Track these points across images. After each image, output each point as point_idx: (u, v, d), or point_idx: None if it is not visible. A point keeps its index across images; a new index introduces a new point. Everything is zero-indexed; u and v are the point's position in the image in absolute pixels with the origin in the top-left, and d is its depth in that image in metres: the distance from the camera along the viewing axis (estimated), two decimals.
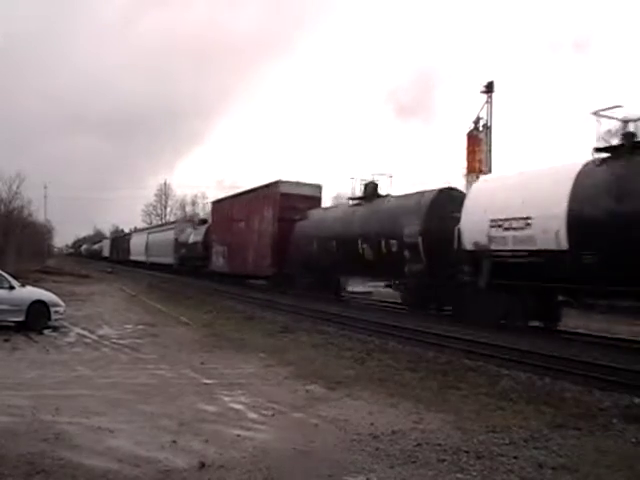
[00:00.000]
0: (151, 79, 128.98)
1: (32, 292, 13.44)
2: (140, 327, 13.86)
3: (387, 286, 20.36)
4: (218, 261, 30.96)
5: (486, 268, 13.55)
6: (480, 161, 32.93)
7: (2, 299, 12.39)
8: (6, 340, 11.12)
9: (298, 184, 24.74)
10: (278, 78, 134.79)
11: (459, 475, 4.71)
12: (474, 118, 33.87)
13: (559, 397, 7.29)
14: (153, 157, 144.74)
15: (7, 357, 9.66)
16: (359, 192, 20.91)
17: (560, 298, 13.28)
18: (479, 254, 13.81)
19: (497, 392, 7.53)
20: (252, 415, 6.45)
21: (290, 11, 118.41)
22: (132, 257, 55.91)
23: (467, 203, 14.58)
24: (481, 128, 33.63)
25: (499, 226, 13.25)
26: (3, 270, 13.66)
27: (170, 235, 42.07)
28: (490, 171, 33.03)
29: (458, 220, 14.60)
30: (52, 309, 13.06)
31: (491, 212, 13.50)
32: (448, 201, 15.99)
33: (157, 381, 8.12)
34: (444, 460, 5.02)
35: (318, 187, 25.14)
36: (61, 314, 13.43)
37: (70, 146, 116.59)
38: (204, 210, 66.04)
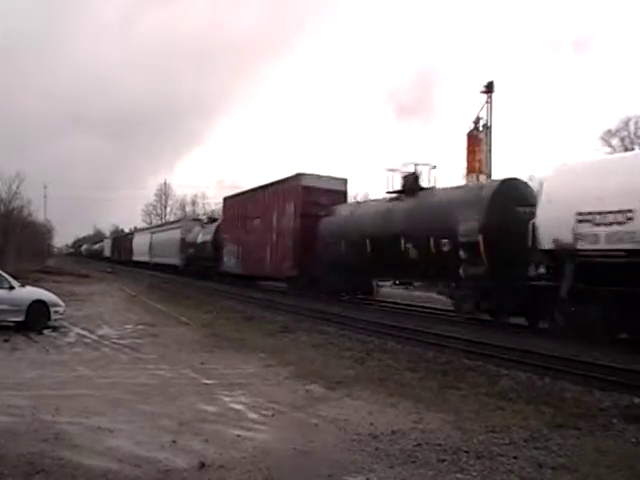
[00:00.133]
0: (151, 79, 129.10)
1: (32, 292, 13.44)
2: (140, 327, 13.85)
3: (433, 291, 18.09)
4: (230, 262, 29.08)
5: (569, 270, 11.68)
6: (480, 161, 32.96)
7: (2, 299, 12.38)
8: (6, 340, 11.12)
9: (321, 177, 22.69)
10: (279, 78, 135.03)
11: (459, 475, 4.71)
12: (474, 118, 33.93)
13: (559, 397, 7.29)
14: (153, 157, 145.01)
15: (7, 357, 9.66)
16: (389, 185, 18.97)
17: None
18: (560, 254, 11.94)
19: (497, 392, 7.53)
20: (252, 415, 6.46)
21: (291, 11, 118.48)
22: (135, 257, 54.21)
23: (544, 194, 12.50)
24: (481, 128, 33.66)
25: (588, 221, 11.28)
26: (3, 270, 13.64)
27: (176, 234, 39.93)
28: (490, 171, 33.06)
29: (524, 215, 12.98)
30: (52, 309, 13.06)
31: (578, 204, 11.48)
32: (512, 193, 14.27)
33: (157, 381, 8.12)
34: (444, 460, 5.02)
35: (343, 180, 23.14)
36: (61, 314, 13.43)
37: (70, 146, 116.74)
38: (204, 210, 66.21)
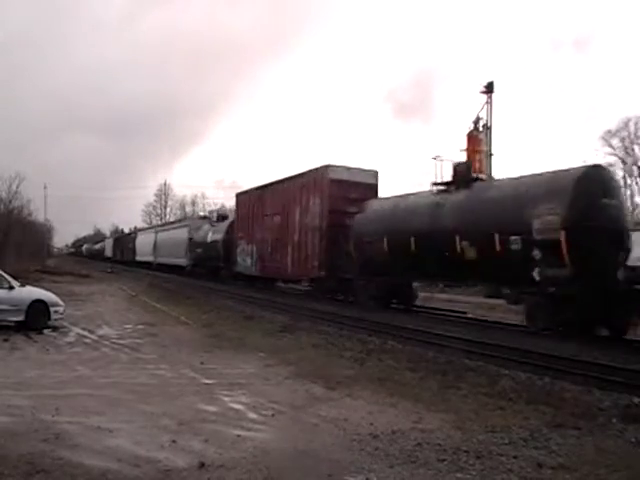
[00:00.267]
0: (151, 79, 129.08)
1: (32, 292, 13.45)
2: (140, 327, 13.86)
3: (490, 296, 15.51)
4: (244, 262, 27.10)
5: None
6: (480, 161, 32.89)
7: (2, 299, 12.39)
8: (6, 340, 11.13)
9: (350, 169, 20.59)
10: (278, 78, 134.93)
11: (459, 475, 4.71)
12: (474, 118, 33.81)
13: (559, 397, 7.29)
14: (153, 157, 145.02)
15: (7, 357, 9.67)
16: (435, 176, 16.97)
17: None
18: None
19: (497, 392, 7.53)
20: (252, 415, 6.46)
21: (290, 10, 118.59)
22: (138, 258, 52.46)
23: None
24: (481, 128, 33.55)
25: None
26: (3, 270, 13.65)
27: (183, 233, 37.98)
28: (490, 171, 33.02)
29: (611, 208, 11.89)
30: (52, 309, 13.07)
31: None
32: (597, 182, 12.44)
33: (157, 381, 8.12)
34: (444, 460, 5.02)
35: (374, 173, 20.86)
36: (61, 314, 13.45)
37: (70, 146, 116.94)
38: (204, 210, 66.05)
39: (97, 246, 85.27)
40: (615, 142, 38.93)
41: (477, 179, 15.74)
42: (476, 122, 33.82)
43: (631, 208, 35.80)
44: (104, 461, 4.85)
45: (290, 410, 6.67)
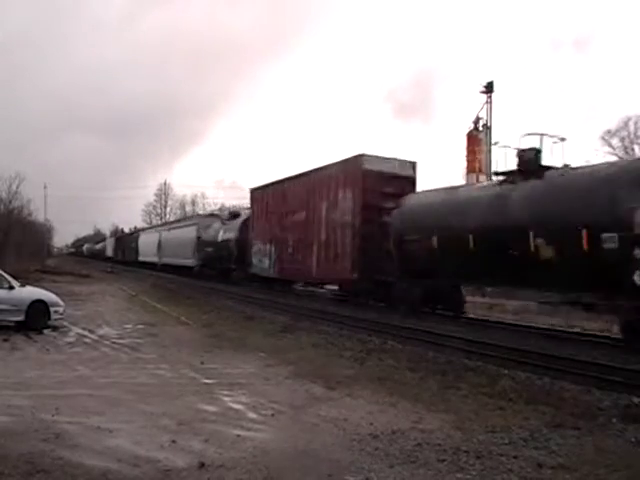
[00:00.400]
0: (151, 79, 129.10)
1: (32, 292, 13.45)
2: (140, 327, 13.86)
3: (568, 303, 13.15)
4: (261, 263, 25.14)
5: None
6: (480, 161, 32.91)
7: (2, 299, 12.39)
8: (6, 340, 11.13)
9: (387, 160, 18.47)
10: (278, 77, 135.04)
11: (459, 475, 4.71)
12: (474, 118, 33.87)
13: (558, 397, 7.29)
14: (153, 157, 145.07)
15: (7, 357, 9.67)
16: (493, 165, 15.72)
17: None
18: None
19: (497, 392, 7.52)
20: (252, 415, 6.46)
21: (290, 11, 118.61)
22: (141, 258, 50.68)
23: None
24: (481, 128, 33.61)
25: None
26: (3, 270, 13.66)
27: (191, 232, 35.97)
28: (490, 171, 33.03)
29: None
30: (52, 309, 13.07)
31: None
32: None
33: (157, 381, 8.12)
34: (444, 460, 5.02)
35: (412, 164, 18.86)
36: (61, 314, 13.45)
37: (70, 146, 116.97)
38: (204, 210, 66.09)
39: (98, 246, 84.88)
40: (615, 142, 38.93)
41: (549, 167, 13.51)
42: (476, 122, 33.97)
43: None
44: (104, 461, 4.84)
45: (290, 410, 6.67)
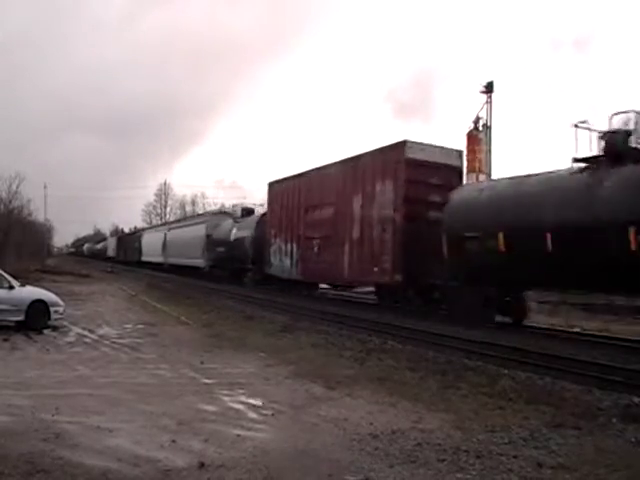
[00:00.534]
0: (151, 78, 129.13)
1: (32, 292, 13.45)
2: (140, 326, 13.87)
3: None
4: (281, 264, 22.97)
5: None
6: (480, 161, 32.91)
7: (2, 299, 12.39)
8: (6, 340, 11.13)
9: (430, 147, 16.56)
10: (278, 78, 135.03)
11: (459, 474, 4.71)
12: (474, 118, 33.87)
13: (559, 396, 7.28)
14: (153, 157, 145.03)
15: (7, 356, 9.67)
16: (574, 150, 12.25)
17: None
18: None
19: (496, 392, 7.52)
20: (252, 415, 6.46)
21: (290, 11, 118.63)
22: (145, 258, 48.79)
23: None
24: (481, 128, 33.61)
25: None
26: (3, 270, 13.65)
27: (200, 231, 33.94)
28: (490, 171, 33.04)
29: None
30: (52, 309, 13.07)
31: None
32: None
33: (157, 381, 8.12)
34: (444, 460, 5.01)
35: (458, 152, 17.27)
36: (61, 314, 13.44)
37: (70, 146, 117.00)
38: (204, 209, 66.09)
39: (99, 246, 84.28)
40: None
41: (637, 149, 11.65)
42: (476, 122, 33.97)
43: None
44: (104, 461, 4.84)
45: (290, 410, 6.67)
